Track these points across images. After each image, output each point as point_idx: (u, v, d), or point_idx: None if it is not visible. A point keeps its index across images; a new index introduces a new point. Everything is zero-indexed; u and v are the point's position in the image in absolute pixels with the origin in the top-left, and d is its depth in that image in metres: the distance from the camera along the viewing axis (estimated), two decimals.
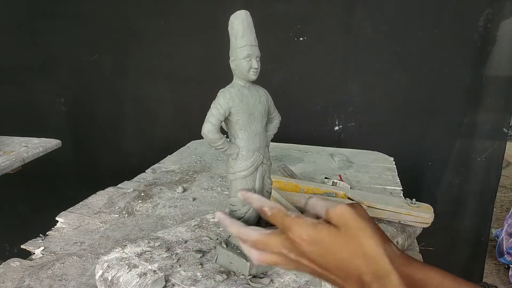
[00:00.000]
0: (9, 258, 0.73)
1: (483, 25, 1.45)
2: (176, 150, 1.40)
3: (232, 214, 0.62)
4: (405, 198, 0.86)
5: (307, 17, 1.62)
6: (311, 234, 0.44)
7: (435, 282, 0.45)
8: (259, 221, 0.63)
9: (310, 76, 1.67)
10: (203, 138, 0.57)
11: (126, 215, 0.91)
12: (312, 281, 0.59)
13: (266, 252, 0.48)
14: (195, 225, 0.75)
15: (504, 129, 1.56)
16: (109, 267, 0.61)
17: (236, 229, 0.51)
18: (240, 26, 0.55)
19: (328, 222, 0.46)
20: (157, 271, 0.59)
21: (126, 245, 0.66)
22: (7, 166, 1.12)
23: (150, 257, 0.63)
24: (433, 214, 0.80)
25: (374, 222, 0.46)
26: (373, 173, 1.19)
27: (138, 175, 1.16)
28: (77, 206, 0.95)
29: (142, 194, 1.01)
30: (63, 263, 0.71)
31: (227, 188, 0.63)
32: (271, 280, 0.59)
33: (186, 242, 0.68)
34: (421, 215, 0.80)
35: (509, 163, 3.62)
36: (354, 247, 0.43)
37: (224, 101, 0.56)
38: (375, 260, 0.42)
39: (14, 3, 1.89)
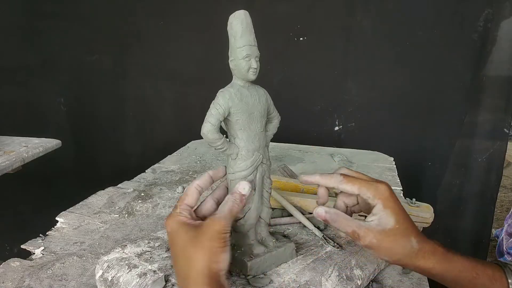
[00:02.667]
0: (9, 258, 0.73)
1: (483, 25, 1.45)
2: (176, 150, 1.40)
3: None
4: (405, 198, 0.86)
5: (307, 17, 1.62)
6: (173, 227, 0.50)
7: (453, 273, 0.51)
8: (258, 221, 0.63)
9: (310, 76, 1.67)
10: (203, 138, 0.57)
11: (126, 215, 0.91)
12: (312, 281, 0.59)
13: None
14: None
15: (505, 130, 1.56)
16: (109, 267, 0.61)
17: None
18: (239, 26, 0.55)
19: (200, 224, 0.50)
20: (157, 271, 0.59)
21: (126, 245, 0.66)
22: (7, 166, 1.12)
23: (150, 257, 0.63)
24: (433, 214, 0.80)
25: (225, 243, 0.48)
26: (373, 173, 1.18)
27: (138, 175, 1.16)
28: (77, 206, 0.95)
29: (142, 194, 1.01)
30: (63, 263, 0.71)
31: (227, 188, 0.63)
32: (271, 280, 0.59)
33: None
34: (421, 215, 0.80)
35: (510, 163, 3.61)
36: (190, 251, 0.47)
37: (223, 101, 0.56)
38: (196, 271, 0.45)
39: (14, 3, 1.89)
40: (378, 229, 0.51)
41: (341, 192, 0.57)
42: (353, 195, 0.56)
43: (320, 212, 0.54)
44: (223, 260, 0.47)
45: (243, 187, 0.54)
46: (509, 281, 0.52)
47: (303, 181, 0.57)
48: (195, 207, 0.55)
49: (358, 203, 0.58)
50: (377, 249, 0.51)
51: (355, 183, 0.54)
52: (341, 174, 0.56)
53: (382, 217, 0.52)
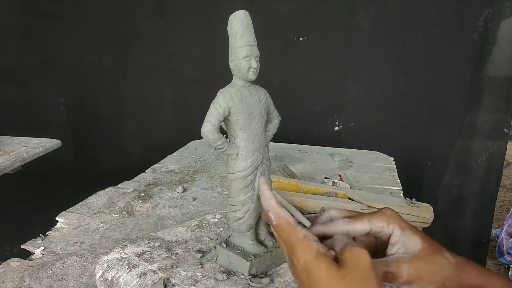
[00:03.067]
0: (9, 258, 0.73)
1: (483, 25, 1.45)
2: (176, 150, 1.40)
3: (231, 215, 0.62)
4: (405, 198, 0.86)
5: (307, 17, 1.62)
6: (308, 261, 0.40)
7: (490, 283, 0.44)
8: (258, 221, 0.63)
9: (310, 76, 1.67)
10: (203, 138, 0.57)
11: (126, 215, 0.91)
12: None
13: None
14: (195, 225, 0.75)
15: (505, 130, 1.56)
16: (109, 267, 0.61)
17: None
18: (239, 26, 0.55)
19: (337, 256, 0.41)
20: (157, 271, 0.59)
21: (126, 245, 0.66)
22: (7, 166, 1.12)
23: (150, 257, 0.63)
24: (433, 214, 0.80)
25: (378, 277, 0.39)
26: (373, 173, 1.19)
27: (138, 175, 1.16)
28: (77, 206, 0.95)
29: (142, 194, 1.01)
30: (63, 263, 0.71)
31: (227, 188, 0.63)
32: (271, 280, 0.59)
33: (186, 242, 0.68)
34: (421, 215, 0.80)
35: (509, 163, 3.61)
36: None
37: (223, 101, 0.56)
38: None
39: (14, 3, 1.89)
40: (409, 257, 0.44)
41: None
42: (366, 234, 0.47)
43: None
44: None
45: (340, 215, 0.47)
46: None
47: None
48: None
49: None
50: (419, 279, 0.43)
51: (362, 218, 0.46)
52: (342, 218, 0.47)
53: (406, 241, 0.45)
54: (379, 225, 0.45)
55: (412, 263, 0.43)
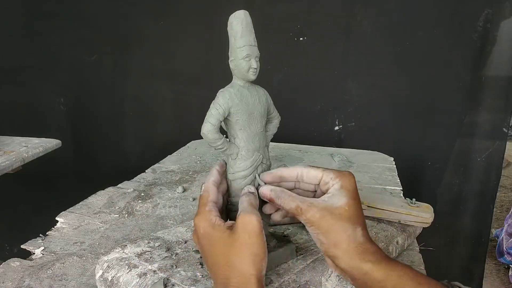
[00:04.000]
0: (9, 258, 0.73)
1: (483, 25, 1.45)
2: (176, 150, 1.40)
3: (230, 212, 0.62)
4: (405, 198, 0.86)
5: (307, 17, 1.62)
6: (206, 230, 0.48)
7: (393, 279, 0.45)
8: None
9: (310, 76, 1.67)
10: (202, 138, 0.57)
11: (126, 215, 0.91)
12: (311, 281, 0.59)
13: None
14: None
15: (504, 129, 1.56)
16: (109, 267, 0.61)
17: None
18: (239, 26, 0.55)
19: (233, 225, 0.48)
20: (157, 271, 0.59)
21: (126, 245, 0.66)
22: (7, 166, 1.12)
23: (150, 257, 0.63)
24: (433, 214, 0.80)
25: (262, 238, 0.47)
26: (373, 173, 1.19)
27: (138, 175, 1.16)
28: (77, 206, 0.95)
29: (142, 194, 1.01)
30: (63, 263, 0.71)
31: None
32: (271, 280, 0.59)
33: (186, 242, 0.68)
34: (421, 215, 0.80)
35: (509, 163, 3.62)
36: (232, 257, 0.45)
37: (223, 101, 0.56)
38: (243, 277, 0.43)
39: (14, 3, 1.89)
40: (324, 205, 0.48)
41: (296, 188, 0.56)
42: (311, 186, 0.54)
43: (266, 190, 0.52)
44: (265, 266, 0.46)
45: (249, 187, 0.55)
46: None
47: (264, 181, 0.56)
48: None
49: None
50: (317, 226, 0.47)
51: (319, 167, 0.53)
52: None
53: (334, 195, 0.49)
54: (329, 176, 0.50)
55: (321, 211, 0.47)
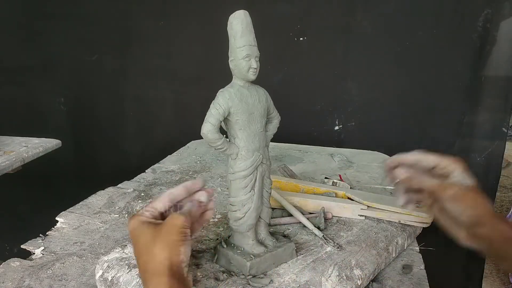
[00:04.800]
0: (9, 258, 0.73)
1: (482, 25, 1.45)
2: (176, 150, 1.40)
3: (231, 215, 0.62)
4: None
5: (307, 17, 1.62)
6: (134, 226, 0.52)
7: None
8: (258, 221, 0.63)
9: (310, 76, 1.67)
10: (202, 138, 0.57)
11: (126, 215, 0.91)
12: (311, 281, 0.59)
13: None
14: None
15: (504, 129, 1.56)
16: (109, 267, 0.61)
17: None
18: (239, 26, 0.55)
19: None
20: None
21: (126, 245, 0.66)
22: (7, 166, 1.12)
23: None
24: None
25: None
26: (373, 173, 1.19)
27: (138, 175, 1.16)
28: (77, 206, 0.95)
29: (142, 194, 1.01)
30: (63, 263, 0.71)
31: (227, 188, 0.63)
32: (271, 280, 0.59)
33: None
34: (421, 215, 0.80)
35: (509, 163, 3.62)
36: (151, 246, 0.49)
37: (223, 101, 0.56)
38: (158, 262, 0.48)
39: (14, 3, 1.89)
40: (462, 183, 0.55)
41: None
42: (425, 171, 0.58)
43: (403, 171, 0.57)
44: (183, 252, 0.49)
45: (202, 195, 0.56)
46: None
47: (389, 168, 0.60)
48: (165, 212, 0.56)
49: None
50: (463, 200, 0.54)
51: (434, 154, 0.58)
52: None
53: (463, 177, 0.56)
54: (445, 162, 0.57)
55: (462, 188, 0.55)
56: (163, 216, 0.55)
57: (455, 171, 0.56)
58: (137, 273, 0.58)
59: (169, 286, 0.46)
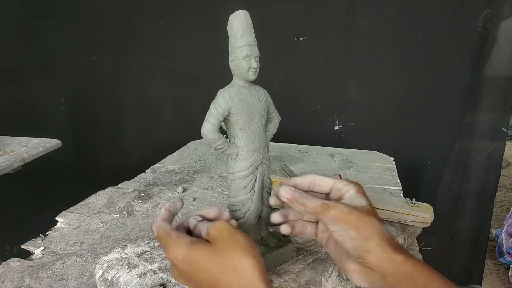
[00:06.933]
0: (9, 258, 0.73)
1: (482, 25, 1.45)
2: (176, 150, 1.40)
3: (232, 214, 0.62)
4: (405, 198, 0.86)
5: (307, 17, 1.62)
6: (185, 253, 0.45)
7: (424, 274, 0.45)
8: (258, 221, 0.63)
9: (310, 76, 1.67)
10: (202, 138, 0.57)
11: (126, 215, 0.91)
12: (312, 281, 0.59)
13: None
14: None
15: (504, 129, 1.56)
16: (109, 267, 0.61)
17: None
18: (239, 26, 0.55)
19: (207, 240, 0.47)
20: (157, 271, 0.59)
21: (126, 245, 0.66)
22: (7, 166, 1.12)
23: (150, 257, 0.63)
24: (433, 214, 0.80)
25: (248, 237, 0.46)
26: (373, 173, 1.19)
27: (138, 175, 1.16)
28: (77, 206, 0.95)
29: (142, 194, 1.01)
30: (63, 263, 0.71)
31: (227, 188, 0.63)
32: (271, 280, 0.59)
33: None
34: (421, 214, 0.80)
35: (509, 163, 3.62)
36: (224, 261, 0.43)
37: (223, 101, 0.56)
38: (244, 275, 0.42)
39: (14, 3, 1.89)
40: (348, 204, 0.49)
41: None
42: (321, 195, 0.54)
43: (285, 191, 0.50)
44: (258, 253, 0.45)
45: (195, 217, 0.53)
46: None
47: (281, 195, 0.52)
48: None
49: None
50: (346, 221, 0.47)
51: (328, 177, 0.53)
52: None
53: (354, 198, 0.50)
54: (340, 184, 0.52)
55: (348, 207, 0.48)
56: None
57: (348, 192, 0.51)
58: (137, 273, 0.58)
59: None
